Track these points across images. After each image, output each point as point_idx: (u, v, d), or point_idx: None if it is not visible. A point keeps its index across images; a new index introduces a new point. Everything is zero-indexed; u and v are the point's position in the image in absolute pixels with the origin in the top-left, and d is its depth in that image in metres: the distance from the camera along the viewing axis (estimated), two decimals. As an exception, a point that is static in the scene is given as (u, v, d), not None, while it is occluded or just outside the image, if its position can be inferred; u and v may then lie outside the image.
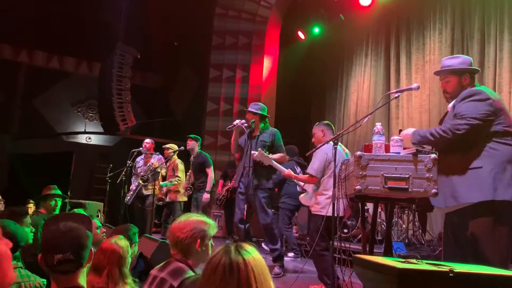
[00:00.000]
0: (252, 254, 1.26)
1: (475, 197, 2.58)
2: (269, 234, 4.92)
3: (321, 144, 3.84)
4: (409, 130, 2.84)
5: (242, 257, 1.24)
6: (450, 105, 2.90)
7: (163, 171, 6.83)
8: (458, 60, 2.94)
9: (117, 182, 6.74)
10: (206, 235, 2.11)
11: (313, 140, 4.24)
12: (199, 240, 2.08)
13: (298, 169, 6.60)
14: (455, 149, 2.67)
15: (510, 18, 6.11)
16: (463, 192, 2.52)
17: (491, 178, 2.57)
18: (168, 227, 6.38)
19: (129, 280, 2.29)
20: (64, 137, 10.89)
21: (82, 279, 1.76)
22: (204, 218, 2.19)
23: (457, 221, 2.80)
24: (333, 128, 4.30)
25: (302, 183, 4.36)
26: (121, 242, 2.38)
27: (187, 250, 2.08)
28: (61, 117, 10.95)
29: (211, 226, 2.16)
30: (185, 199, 6.68)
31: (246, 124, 4.99)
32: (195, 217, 2.18)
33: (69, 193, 8.12)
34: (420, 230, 6.21)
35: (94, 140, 11.06)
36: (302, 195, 4.38)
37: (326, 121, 4.29)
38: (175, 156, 6.80)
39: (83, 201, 7.41)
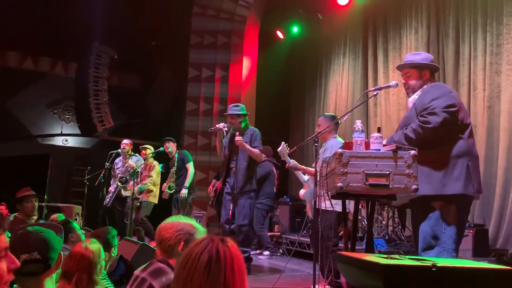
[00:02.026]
0: (234, 248, 1.29)
1: (425, 190, 2.68)
2: (244, 235, 4.92)
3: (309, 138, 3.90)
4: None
5: (227, 246, 1.25)
6: (410, 99, 2.98)
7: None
8: (420, 56, 3.06)
9: (96, 184, 6.64)
10: (191, 240, 2.07)
11: (317, 129, 4.29)
12: (182, 242, 2.06)
13: (274, 170, 6.69)
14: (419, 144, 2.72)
15: (483, 18, 6.25)
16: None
17: (441, 174, 2.69)
18: (146, 227, 6.30)
19: (100, 287, 2.23)
20: (39, 140, 10.64)
21: (50, 285, 1.71)
22: (193, 222, 2.17)
23: (412, 209, 3.01)
24: (338, 122, 4.37)
25: (306, 178, 4.40)
26: (92, 246, 2.29)
27: (169, 251, 2.07)
28: (36, 119, 10.68)
29: (200, 231, 2.13)
30: (156, 201, 6.56)
31: (226, 129, 5.03)
32: (184, 219, 2.16)
33: (46, 197, 7.94)
34: (400, 226, 6.31)
35: (71, 142, 10.83)
36: (303, 191, 4.42)
37: (333, 114, 4.30)
38: (151, 159, 6.72)
39: (60, 205, 7.27)
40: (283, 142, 4.40)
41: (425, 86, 2.93)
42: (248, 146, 4.91)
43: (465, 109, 2.92)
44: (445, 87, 2.88)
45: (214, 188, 7.50)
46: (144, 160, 6.63)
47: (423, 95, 2.87)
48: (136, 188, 6.29)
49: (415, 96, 2.97)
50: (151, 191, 6.52)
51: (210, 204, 7.68)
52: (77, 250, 2.21)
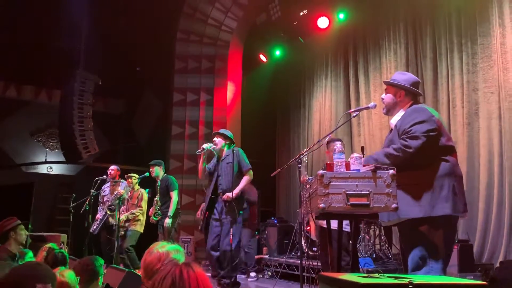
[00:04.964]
0: (199, 270, 1.38)
1: (414, 213, 2.74)
2: (230, 260, 4.85)
3: (292, 160, 3.90)
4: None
5: (191, 268, 1.34)
6: (392, 120, 3.05)
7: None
8: (403, 77, 3.12)
9: (81, 212, 6.56)
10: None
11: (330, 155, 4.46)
12: None
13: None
14: (400, 166, 2.77)
15: (459, 38, 6.46)
16: (403, 208, 2.63)
17: (429, 196, 2.73)
18: (130, 256, 6.18)
19: None
20: (23, 168, 10.51)
21: None
22: (175, 245, 2.19)
23: (401, 233, 3.01)
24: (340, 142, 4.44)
25: None
26: (68, 274, 2.32)
27: None
28: (20, 148, 10.59)
29: (183, 254, 2.17)
30: (142, 230, 6.48)
31: (215, 147, 5.04)
32: (168, 245, 2.16)
33: (30, 226, 7.81)
34: (387, 245, 6.33)
35: (56, 169, 10.73)
36: None
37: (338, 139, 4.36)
38: (137, 186, 6.66)
39: (45, 234, 7.15)
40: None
41: (406, 108, 2.99)
42: (236, 191, 4.93)
43: (447, 131, 2.97)
44: (427, 111, 2.91)
45: (203, 212, 7.49)
46: (131, 189, 6.59)
47: (405, 117, 2.93)
48: (122, 216, 6.24)
49: (396, 118, 3.03)
50: (139, 220, 6.44)
51: (200, 229, 7.63)
52: None
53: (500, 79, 5.80)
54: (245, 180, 4.96)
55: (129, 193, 6.57)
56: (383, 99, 3.13)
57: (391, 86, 3.06)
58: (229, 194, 4.90)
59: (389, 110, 3.07)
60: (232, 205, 4.89)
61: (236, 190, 4.88)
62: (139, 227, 6.40)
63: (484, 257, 5.66)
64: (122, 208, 6.46)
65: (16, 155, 10.55)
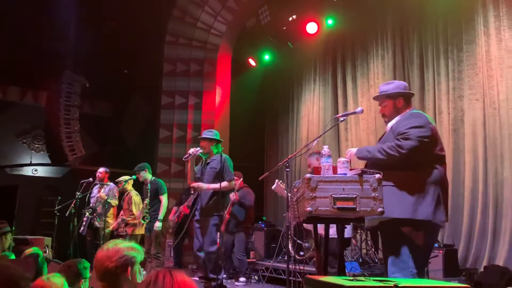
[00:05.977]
0: (183, 276, 1.37)
1: (396, 213, 2.77)
2: (213, 262, 4.84)
3: (280, 164, 3.91)
4: (353, 149, 2.98)
5: (170, 273, 1.34)
6: (389, 124, 3.08)
7: (113, 202, 6.62)
8: (392, 86, 3.14)
9: (66, 215, 6.48)
10: (135, 262, 2.02)
11: (309, 170, 4.51)
12: (129, 268, 1.99)
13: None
14: (389, 166, 2.81)
15: (445, 45, 6.56)
16: (387, 207, 2.66)
17: (413, 199, 2.77)
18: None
19: None
20: (8, 170, 10.35)
21: None
22: (132, 244, 2.10)
23: (381, 231, 3.07)
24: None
25: None
26: (55, 279, 2.27)
27: (117, 280, 1.96)
28: (4, 149, 10.42)
29: (140, 251, 2.08)
30: (143, 231, 6.43)
31: (201, 151, 5.05)
32: (123, 243, 2.07)
33: (13, 229, 7.68)
34: (373, 249, 6.37)
35: (41, 172, 10.57)
36: None
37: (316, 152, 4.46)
38: (130, 187, 6.61)
39: (29, 237, 7.05)
40: (277, 180, 4.51)
41: (405, 113, 3.03)
42: (207, 186, 4.95)
43: (441, 141, 3.01)
44: (424, 117, 2.96)
45: (177, 214, 7.45)
46: (121, 191, 6.55)
47: (402, 121, 2.97)
48: (119, 220, 6.25)
49: (393, 122, 3.06)
50: (135, 224, 6.37)
51: (171, 230, 7.57)
52: (38, 283, 2.18)
53: (484, 86, 5.90)
54: (223, 184, 4.94)
55: (115, 196, 6.53)
56: (382, 113, 3.14)
57: (388, 98, 3.08)
58: (195, 184, 4.95)
59: (390, 120, 3.09)
60: (206, 206, 4.91)
61: (205, 185, 4.93)
62: (138, 230, 6.31)
63: (469, 261, 5.73)
64: (121, 212, 6.44)
65: (1, 156, 10.38)
